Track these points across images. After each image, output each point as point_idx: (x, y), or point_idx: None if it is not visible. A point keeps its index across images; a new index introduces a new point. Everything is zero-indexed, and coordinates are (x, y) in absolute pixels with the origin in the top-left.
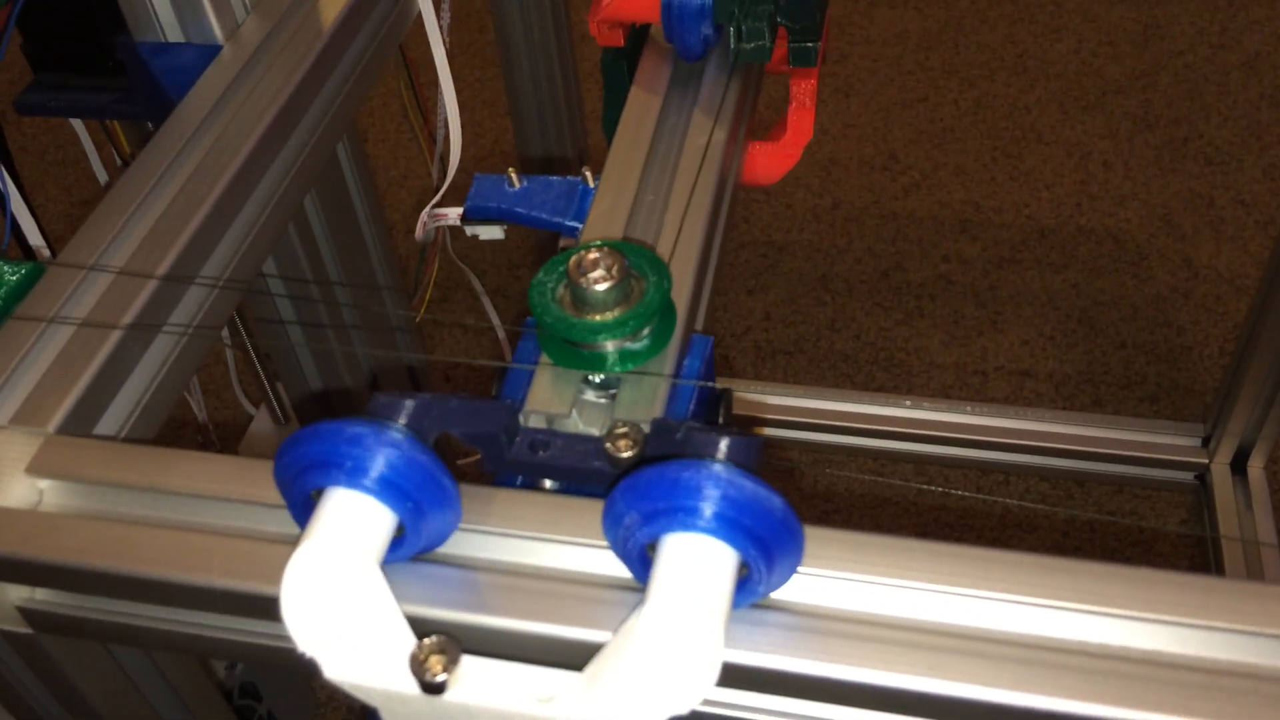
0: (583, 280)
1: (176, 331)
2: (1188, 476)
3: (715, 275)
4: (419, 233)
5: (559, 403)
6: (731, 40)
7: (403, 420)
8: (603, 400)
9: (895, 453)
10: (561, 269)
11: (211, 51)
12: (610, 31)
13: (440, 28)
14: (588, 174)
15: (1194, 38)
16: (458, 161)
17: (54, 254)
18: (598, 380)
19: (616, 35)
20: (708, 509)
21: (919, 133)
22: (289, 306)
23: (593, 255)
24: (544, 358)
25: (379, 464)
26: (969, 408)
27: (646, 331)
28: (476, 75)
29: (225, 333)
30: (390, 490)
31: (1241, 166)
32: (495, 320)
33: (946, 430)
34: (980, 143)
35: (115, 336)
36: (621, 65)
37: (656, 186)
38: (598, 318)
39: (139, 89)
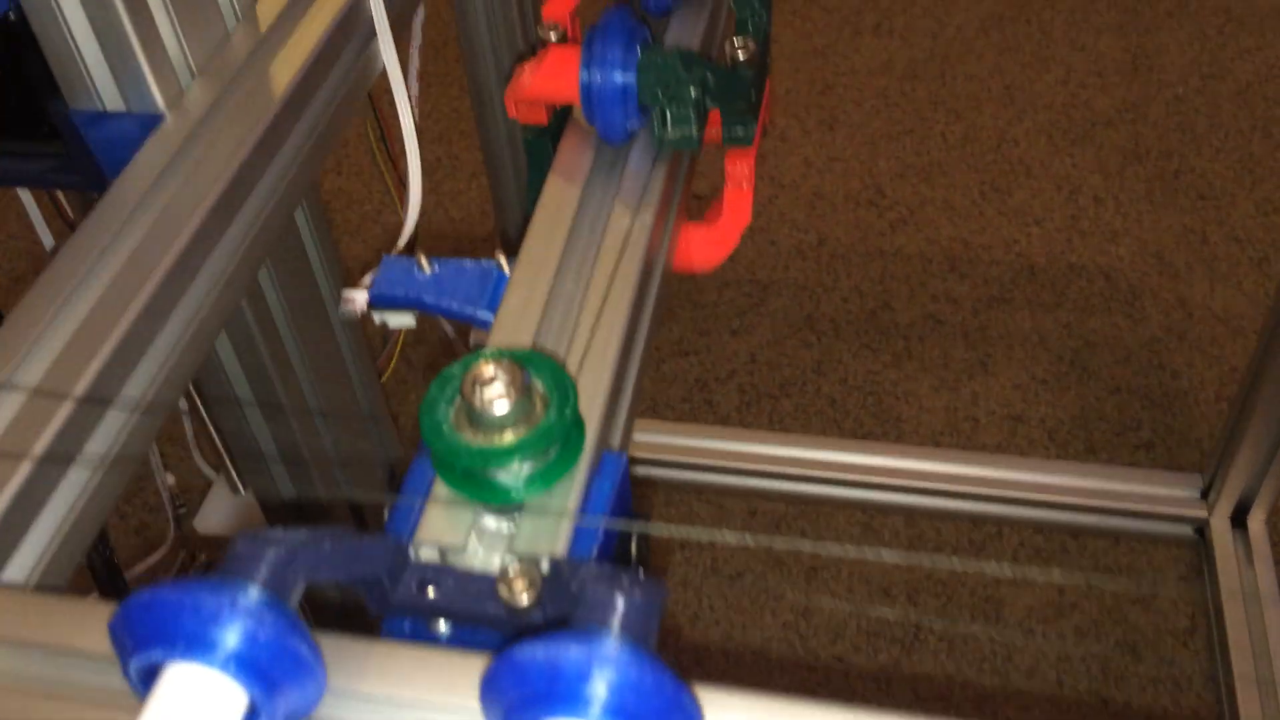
0: (477, 398)
1: (90, 464)
2: (1187, 529)
3: (639, 375)
4: (341, 307)
5: (453, 533)
6: (655, 127)
7: (262, 574)
8: (504, 526)
9: (885, 504)
10: (455, 385)
11: (152, 121)
12: (531, 110)
13: (407, 85)
14: (502, 259)
15: (1184, 68)
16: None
17: None
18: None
19: (539, 113)
20: (595, 700)
21: (906, 166)
22: (244, 382)
23: (488, 370)
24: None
25: (225, 636)
26: (960, 457)
27: (551, 452)
28: (453, 105)
29: (181, 401)
30: (239, 665)
31: (1234, 201)
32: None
33: (938, 481)
34: (968, 177)
35: (25, 468)
36: (545, 143)
37: (576, 275)
38: (495, 441)
39: (75, 160)
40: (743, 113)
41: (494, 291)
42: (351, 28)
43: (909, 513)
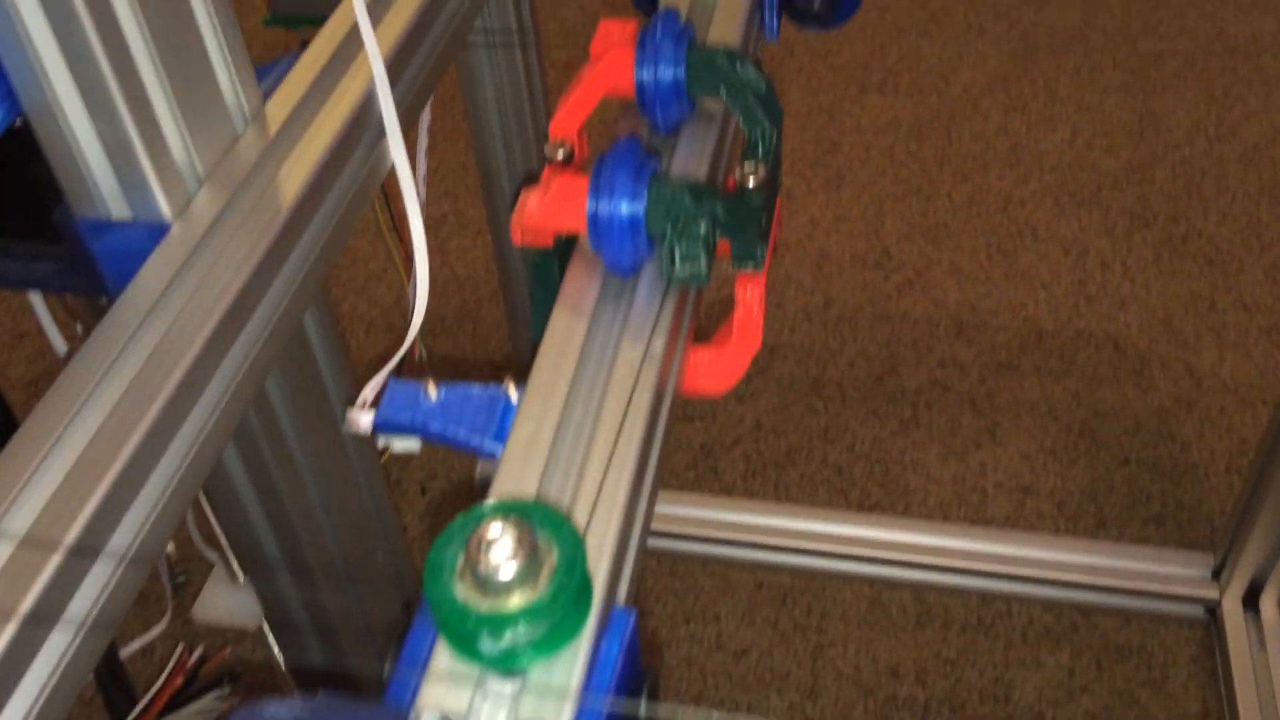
0: (482, 561)
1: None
2: (1198, 610)
3: (647, 517)
4: (345, 426)
5: (456, 698)
6: (664, 262)
7: None
8: (508, 687)
9: (894, 580)
10: (460, 542)
11: (159, 230)
12: (537, 235)
13: (416, 181)
14: (511, 387)
15: (1190, 130)
16: (419, 323)
17: None
18: None
19: (545, 236)
20: None
21: (912, 227)
22: (247, 485)
23: (494, 530)
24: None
25: None
26: (969, 532)
27: (558, 614)
28: (460, 159)
29: None
30: None
31: (1243, 267)
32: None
33: (946, 556)
34: (975, 239)
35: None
36: (552, 264)
37: (585, 409)
38: (500, 604)
39: (80, 267)
40: (753, 240)
41: (501, 421)
42: (362, 127)
43: (917, 588)
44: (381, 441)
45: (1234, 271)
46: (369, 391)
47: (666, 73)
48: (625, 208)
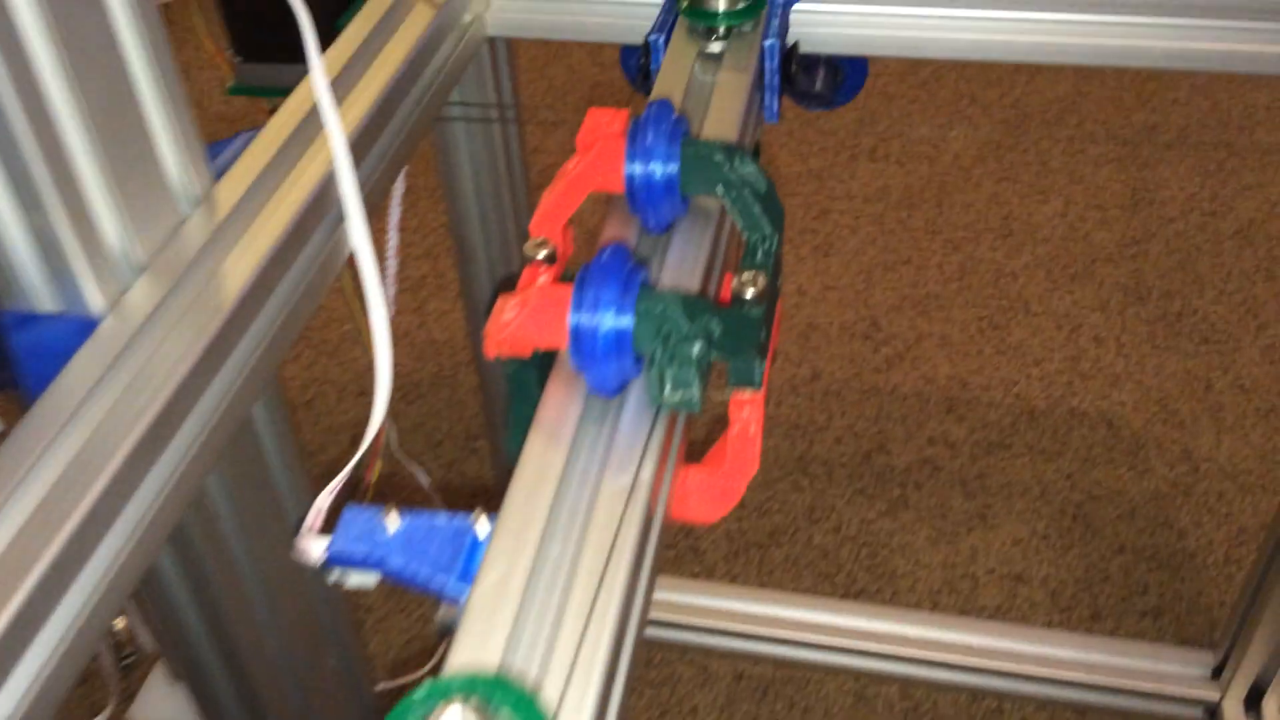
0: None
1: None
2: (1198, 713)
3: (628, 682)
4: (293, 553)
5: None
6: (652, 387)
7: None
8: None
9: (879, 673)
10: None
11: (88, 325)
12: (514, 348)
13: (385, 259)
14: (480, 519)
15: (1184, 204)
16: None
17: None
18: None
19: (523, 349)
20: None
21: (902, 298)
22: (184, 593)
23: (449, 716)
24: None
25: None
26: (959, 624)
27: None
28: (441, 219)
29: None
30: None
31: (1239, 346)
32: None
33: (935, 649)
34: (966, 311)
35: None
36: (530, 376)
37: (563, 549)
38: None
39: (4, 363)
40: (751, 359)
41: (469, 559)
42: (322, 209)
43: (905, 683)
44: (334, 576)
45: (1230, 350)
46: (315, 515)
47: (659, 170)
48: (611, 323)
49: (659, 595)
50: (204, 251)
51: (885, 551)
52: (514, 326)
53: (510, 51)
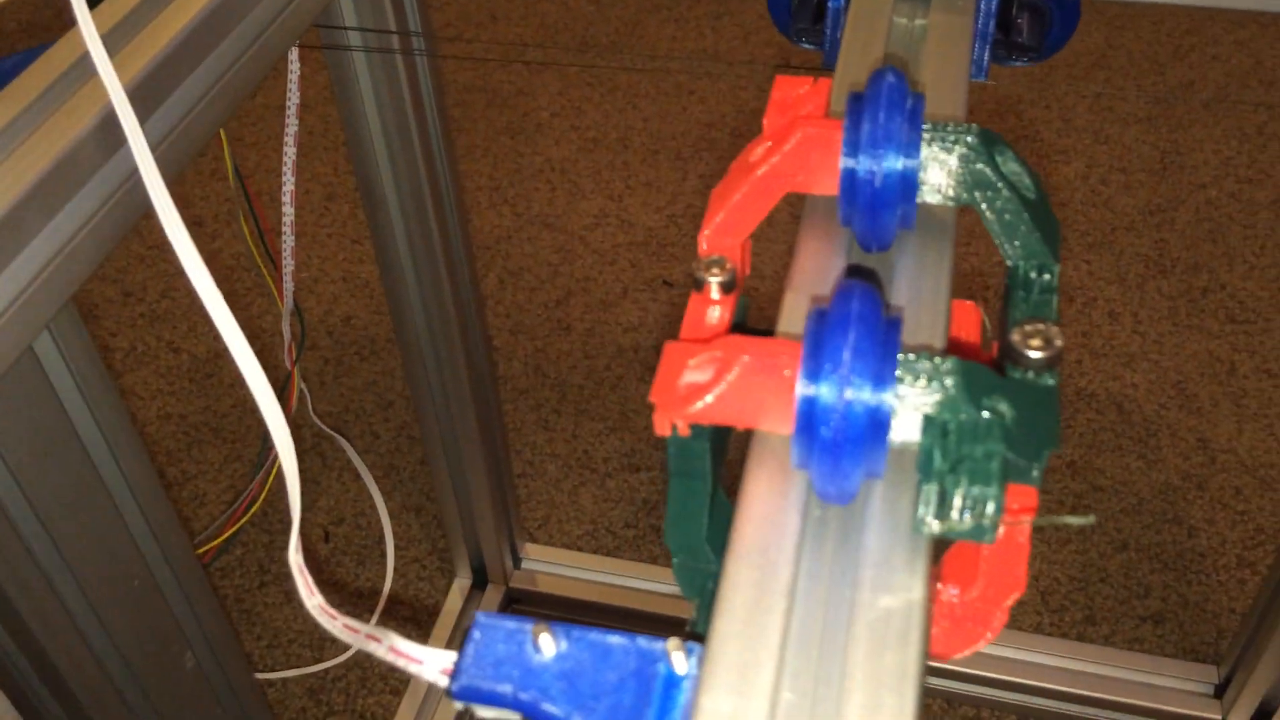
0: None
1: None
2: None
3: None
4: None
5: None
6: (924, 504)
7: None
8: None
9: None
10: None
11: None
12: (701, 420)
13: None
14: (677, 647)
15: (1218, 169)
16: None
17: None
18: None
19: (710, 421)
20: None
21: None
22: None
23: None
24: None
25: None
26: None
27: None
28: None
29: None
30: None
31: (1269, 327)
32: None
33: None
34: (971, 279)
35: None
36: (704, 449)
37: (814, 678)
38: None
39: None
40: (1042, 444)
41: (662, 702)
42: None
43: None
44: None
45: (1258, 332)
46: (304, 580)
47: (896, 165)
48: (869, 404)
49: (613, 580)
50: None
51: None
52: (710, 406)
53: None
